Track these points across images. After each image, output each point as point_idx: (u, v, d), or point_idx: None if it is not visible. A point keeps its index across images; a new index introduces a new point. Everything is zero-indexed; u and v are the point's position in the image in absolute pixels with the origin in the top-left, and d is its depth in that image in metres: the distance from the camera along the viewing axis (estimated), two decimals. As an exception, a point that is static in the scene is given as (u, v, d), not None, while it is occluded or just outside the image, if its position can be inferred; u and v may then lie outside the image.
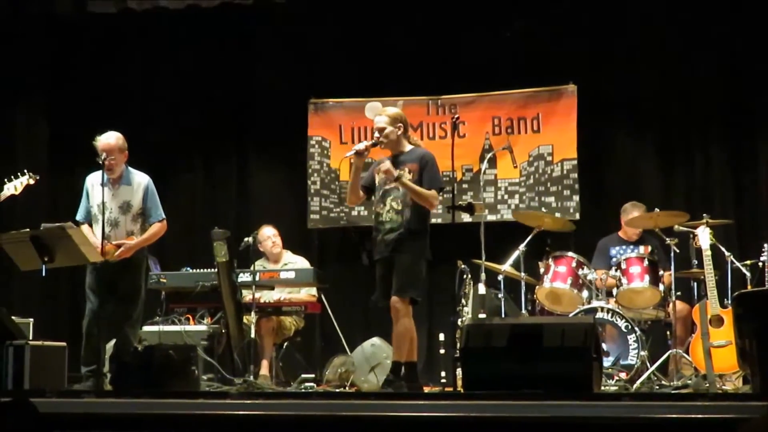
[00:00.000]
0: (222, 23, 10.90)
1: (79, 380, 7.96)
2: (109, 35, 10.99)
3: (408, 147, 7.73)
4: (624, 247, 9.33)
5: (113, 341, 8.34)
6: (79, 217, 8.30)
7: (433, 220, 10.43)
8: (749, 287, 8.45)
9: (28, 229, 7.83)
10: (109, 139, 8.19)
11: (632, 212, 9.25)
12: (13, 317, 7.78)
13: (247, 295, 9.04)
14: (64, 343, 7.63)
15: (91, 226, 8.20)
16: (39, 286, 9.93)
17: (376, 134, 7.71)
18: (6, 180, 8.43)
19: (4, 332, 7.28)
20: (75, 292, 9.16)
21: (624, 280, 8.68)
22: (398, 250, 7.46)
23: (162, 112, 11.13)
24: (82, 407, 6.17)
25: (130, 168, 8.32)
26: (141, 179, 8.31)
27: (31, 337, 8.28)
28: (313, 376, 9.18)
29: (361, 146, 7.65)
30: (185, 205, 10.94)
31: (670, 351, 8.36)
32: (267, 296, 9.42)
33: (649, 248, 8.95)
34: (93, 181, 8.24)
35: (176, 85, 11.11)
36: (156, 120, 11.06)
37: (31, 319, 9.18)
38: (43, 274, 7.67)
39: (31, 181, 8.48)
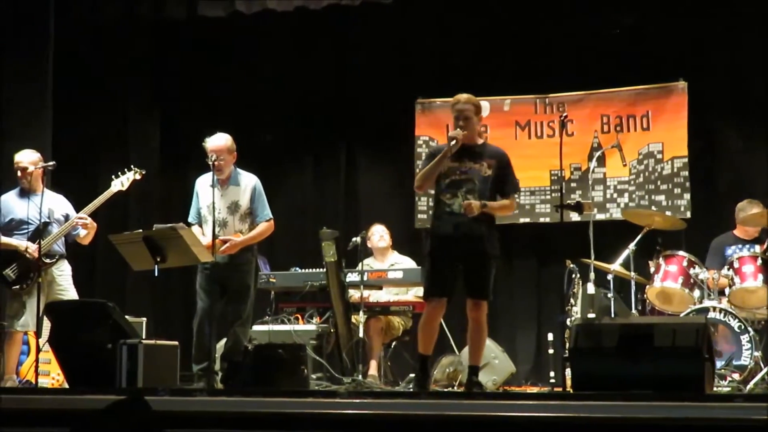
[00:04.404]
0: (330, 24, 10.96)
1: (191, 379, 8.07)
2: (218, 37, 11.12)
3: (479, 140, 7.50)
4: (740, 245, 9.10)
5: (223, 340, 8.44)
6: (190, 219, 8.39)
7: (542, 219, 10.51)
8: None
9: (140, 230, 7.95)
10: (218, 141, 8.28)
11: (749, 210, 8.99)
12: (126, 316, 7.90)
13: (354, 295, 9.08)
14: (176, 342, 7.72)
15: (202, 227, 8.31)
16: (152, 286, 10.08)
17: (461, 122, 7.32)
18: (113, 176, 8.62)
19: (118, 331, 7.40)
20: (187, 292, 9.26)
21: (737, 279, 8.51)
22: (480, 247, 7.20)
23: (270, 113, 11.23)
24: (193, 405, 6.26)
25: (238, 169, 8.39)
26: (249, 180, 8.38)
27: (144, 336, 8.40)
28: (421, 375, 9.18)
29: (459, 134, 7.23)
30: (294, 205, 11.02)
31: (784, 351, 8.22)
32: (375, 297, 9.45)
33: (765, 246, 8.76)
34: (203, 183, 8.35)
35: (284, 86, 11.19)
36: (264, 121, 11.17)
37: (144, 319, 9.36)
38: (156, 274, 7.77)
39: (137, 177, 8.65)
